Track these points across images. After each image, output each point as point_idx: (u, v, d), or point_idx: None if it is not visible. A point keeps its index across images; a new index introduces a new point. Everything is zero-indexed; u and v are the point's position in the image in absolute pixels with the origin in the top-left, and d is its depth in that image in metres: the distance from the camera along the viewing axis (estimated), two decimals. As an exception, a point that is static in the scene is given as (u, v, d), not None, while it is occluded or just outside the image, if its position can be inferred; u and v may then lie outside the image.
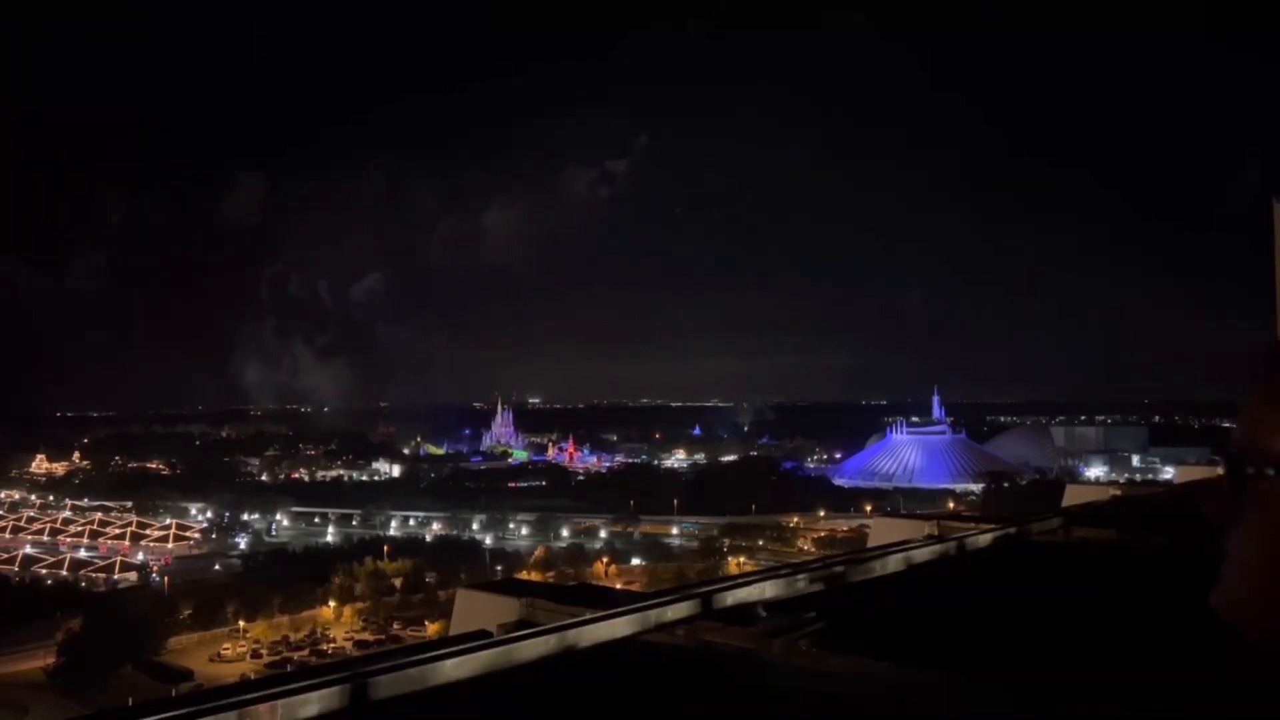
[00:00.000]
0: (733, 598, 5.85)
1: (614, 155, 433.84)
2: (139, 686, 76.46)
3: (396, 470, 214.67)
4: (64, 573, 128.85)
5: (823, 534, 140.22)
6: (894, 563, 7.55)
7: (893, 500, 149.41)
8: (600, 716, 4.50)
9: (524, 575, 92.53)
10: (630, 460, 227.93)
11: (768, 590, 6.11)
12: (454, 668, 4.47)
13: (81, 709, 78.32)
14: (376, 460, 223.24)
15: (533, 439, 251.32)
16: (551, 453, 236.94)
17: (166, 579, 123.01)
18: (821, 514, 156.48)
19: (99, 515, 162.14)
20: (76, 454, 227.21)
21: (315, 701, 3.96)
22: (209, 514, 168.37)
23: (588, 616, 5.16)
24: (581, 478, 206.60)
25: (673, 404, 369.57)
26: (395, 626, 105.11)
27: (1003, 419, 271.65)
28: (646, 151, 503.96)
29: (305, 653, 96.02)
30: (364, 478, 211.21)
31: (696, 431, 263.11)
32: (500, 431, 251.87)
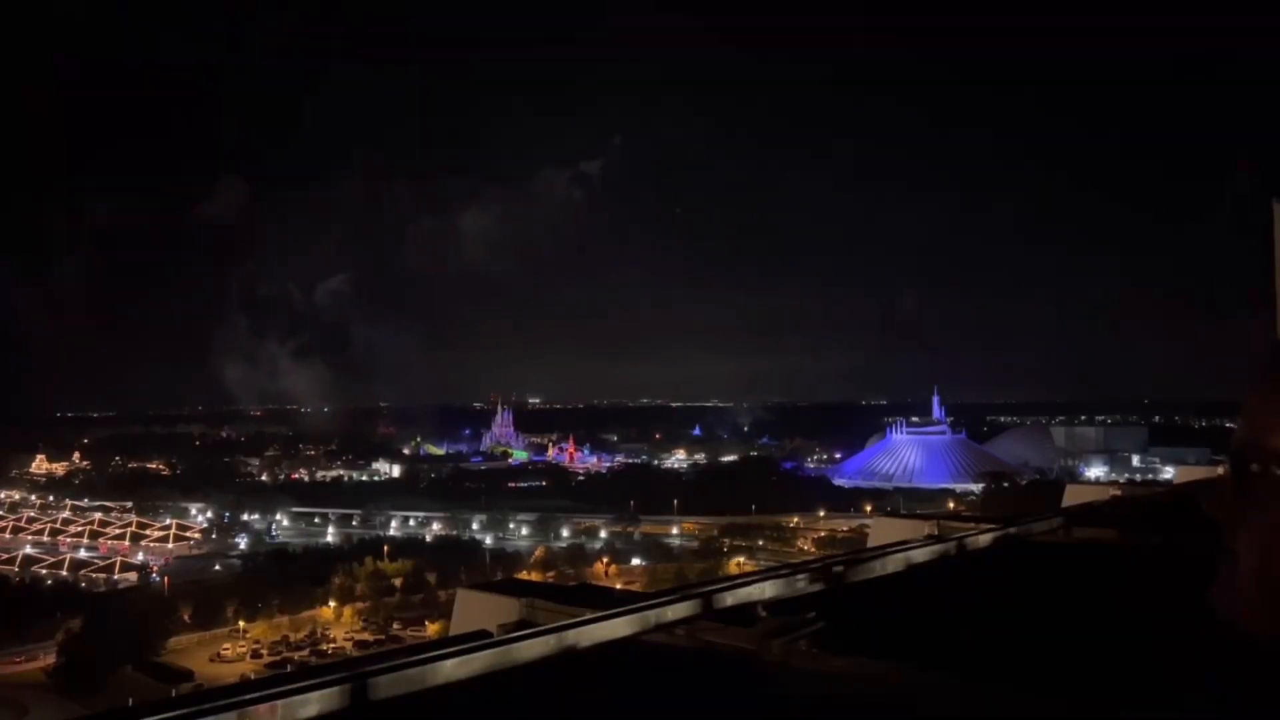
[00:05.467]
0: (733, 598, 5.85)
1: (612, 156, 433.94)
2: (139, 687, 76.42)
3: (396, 470, 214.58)
4: (64, 573, 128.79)
5: (823, 534, 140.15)
6: (894, 563, 7.56)
7: (893, 500, 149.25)
8: (600, 717, 4.50)
9: (524, 575, 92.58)
10: (630, 460, 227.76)
11: (768, 590, 6.11)
12: (454, 668, 4.47)
13: (81, 709, 78.31)
14: (376, 460, 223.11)
15: (533, 439, 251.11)
16: (551, 453, 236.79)
17: (166, 579, 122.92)
18: (821, 514, 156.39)
19: (99, 515, 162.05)
20: (76, 454, 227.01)
21: (315, 701, 3.97)
22: (209, 514, 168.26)
23: (588, 616, 5.16)
24: (581, 478, 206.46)
25: (673, 404, 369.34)
26: (395, 626, 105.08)
27: (1003, 419, 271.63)
28: (644, 152, 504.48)
29: (305, 653, 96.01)
30: (364, 478, 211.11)
31: (696, 431, 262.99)
32: (500, 432, 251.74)
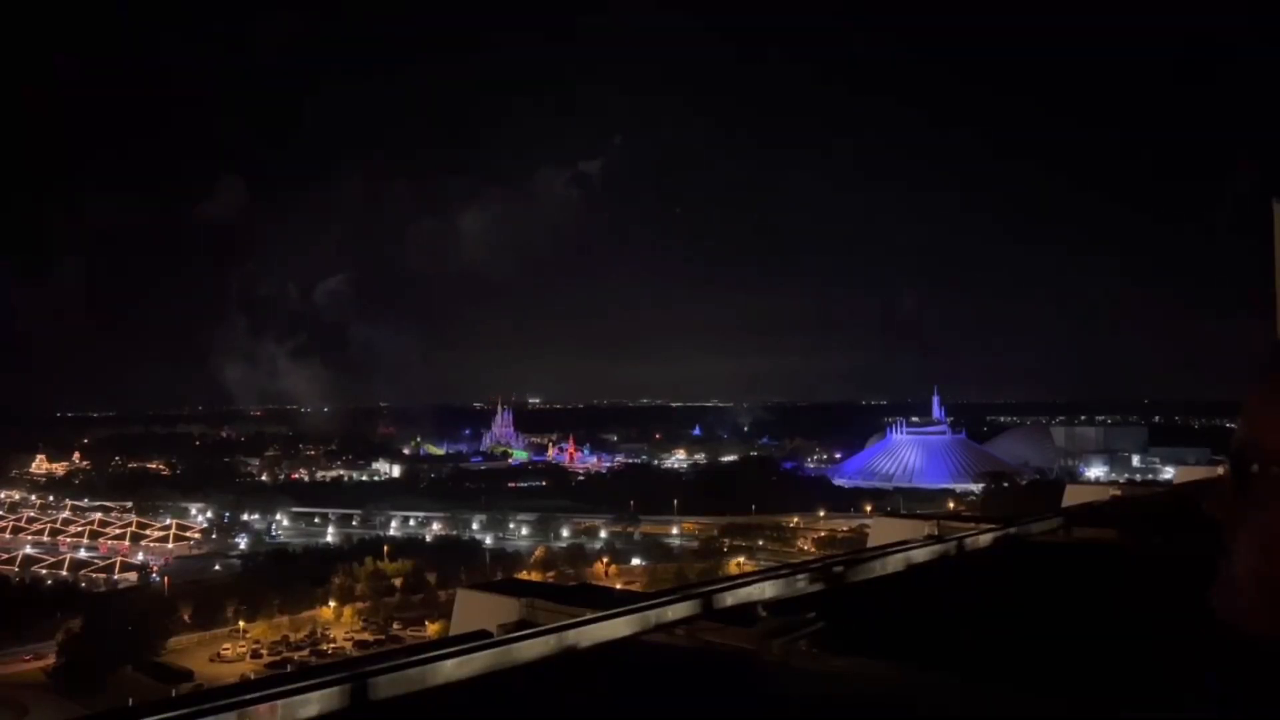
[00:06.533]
0: (733, 598, 5.85)
1: (612, 156, 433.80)
2: (139, 687, 76.47)
3: (396, 470, 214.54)
4: (64, 573, 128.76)
5: (823, 534, 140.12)
6: (894, 563, 7.56)
7: (893, 500, 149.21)
8: (600, 717, 4.50)
9: (524, 575, 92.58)
10: (630, 460, 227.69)
11: (768, 590, 6.11)
12: (454, 668, 4.47)
13: (81, 709, 78.31)
14: (376, 460, 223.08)
15: (533, 439, 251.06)
16: (551, 453, 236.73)
17: (166, 579, 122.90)
18: (821, 514, 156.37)
19: (99, 515, 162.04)
20: (76, 454, 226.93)
21: (315, 701, 3.97)
22: (209, 514, 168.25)
23: (588, 616, 5.16)
24: (581, 478, 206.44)
25: (673, 404, 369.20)
26: (395, 626, 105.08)
27: (1003, 419, 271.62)
28: (644, 152, 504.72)
29: (305, 653, 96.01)
30: (364, 478, 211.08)
31: (696, 431, 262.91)
32: (500, 432, 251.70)
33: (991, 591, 7.26)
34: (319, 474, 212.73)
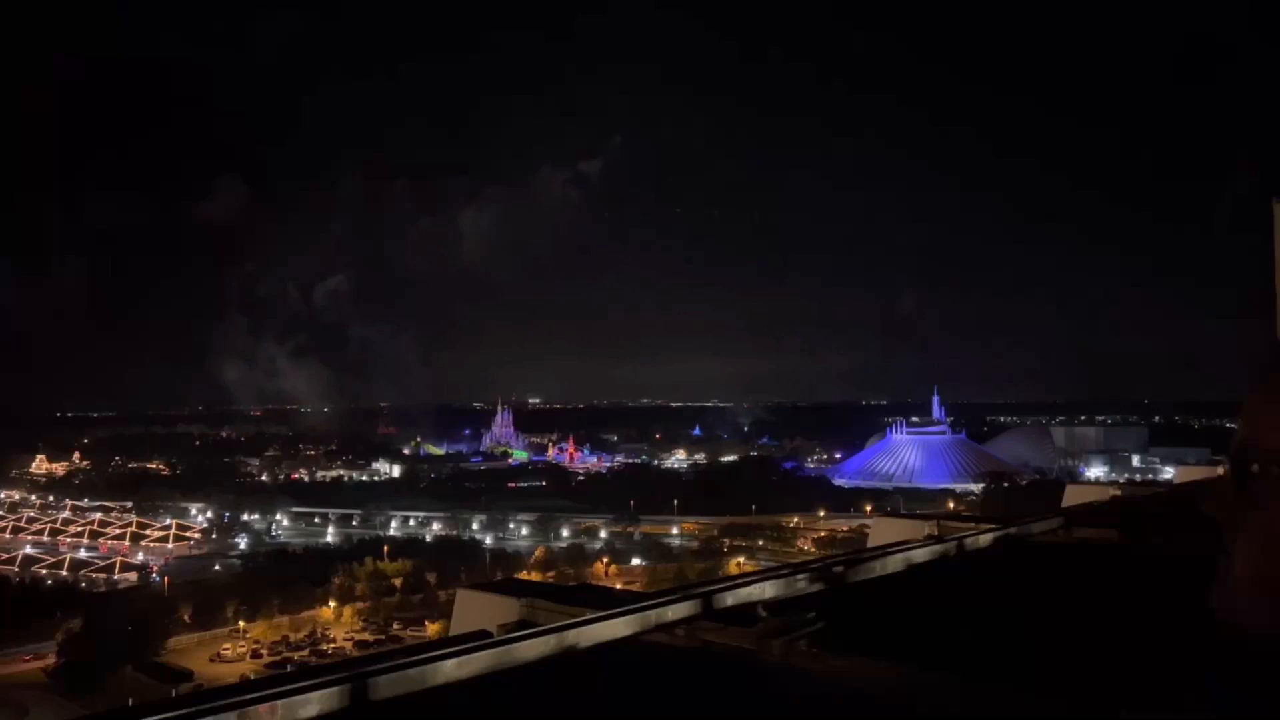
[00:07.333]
0: (733, 598, 5.85)
1: (612, 156, 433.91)
2: (139, 687, 76.49)
3: (396, 470, 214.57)
4: (64, 573, 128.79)
5: (823, 534, 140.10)
6: (894, 563, 7.55)
7: (893, 500, 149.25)
8: (600, 717, 4.50)
9: (524, 575, 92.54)
10: (630, 460, 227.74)
11: (768, 590, 6.11)
12: (454, 668, 4.47)
13: (81, 709, 78.29)
14: (376, 460, 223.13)
15: (533, 439, 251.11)
16: (551, 453, 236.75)
17: (166, 579, 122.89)
18: (821, 514, 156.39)
19: (99, 515, 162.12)
20: (76, 454, 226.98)
21: (315, 701, 3.96)
22: (209, 514, 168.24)
23: (588, 616, 5.16)
24: (581, 478, 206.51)
25: (673, 404, 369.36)
26: (395, 626, 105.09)
27: (1003, 419, 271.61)
28: (644, 152, 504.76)
29: (305, 653, 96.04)
30: (364, 478, 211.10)
31: (696, 431, 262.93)
32: (500, 432, 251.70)
33: (991, 591, 7.26)
34: (319, 474, 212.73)
